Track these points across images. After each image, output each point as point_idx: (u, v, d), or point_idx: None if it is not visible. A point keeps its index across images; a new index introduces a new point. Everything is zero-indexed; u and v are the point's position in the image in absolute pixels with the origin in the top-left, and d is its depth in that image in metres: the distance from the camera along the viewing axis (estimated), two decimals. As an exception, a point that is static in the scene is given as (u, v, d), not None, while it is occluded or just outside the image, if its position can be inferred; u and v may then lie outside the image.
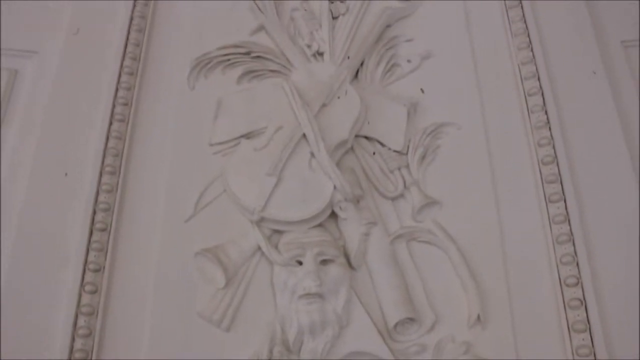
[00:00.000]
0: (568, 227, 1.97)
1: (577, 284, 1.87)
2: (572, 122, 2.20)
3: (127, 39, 2.35)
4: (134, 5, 2.43)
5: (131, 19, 2.40)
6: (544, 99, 2.21)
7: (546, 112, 2.18)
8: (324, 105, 2.14)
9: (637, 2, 2.48)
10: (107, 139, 2.17)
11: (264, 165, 2.02)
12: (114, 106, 2.22)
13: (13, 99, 2.33)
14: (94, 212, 2.04)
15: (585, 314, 1.83)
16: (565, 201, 2.02)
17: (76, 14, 2.45)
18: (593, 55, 2.31)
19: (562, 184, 2.05)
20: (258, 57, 2.30)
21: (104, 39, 2.38)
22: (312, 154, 2.03)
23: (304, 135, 2.06)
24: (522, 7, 2.42)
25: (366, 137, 2.16)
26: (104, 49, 2.36)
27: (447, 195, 2.06)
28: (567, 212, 2.01)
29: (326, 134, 2.07)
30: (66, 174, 2.10)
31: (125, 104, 2.23)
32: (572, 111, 2.22)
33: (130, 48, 2.34)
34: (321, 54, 2.31)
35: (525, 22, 2.39)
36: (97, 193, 2.07)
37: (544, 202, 2.04)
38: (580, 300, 1.84)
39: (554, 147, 2.11)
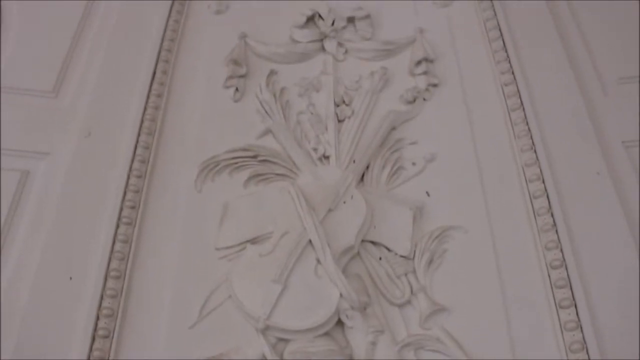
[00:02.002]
0: (580, 334, 1.93)
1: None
2: (578, 224, 2.20)
3: (137, 141, 2.40)
4: (145, 109, 2.49)
5: (141, 122, 2.45)
6: (549, 201, 2.22)
7: (552, 215, 2.18)
8: (330, 210, 2.15)
9: (637, 103, 2.52)
10: (114, 242, 2.17)
11: (269, 271, 2.01)
12: (121, 209, 2.23)
13: (23, 200, 2.35)
14: (97, 318, 2.01)
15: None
16: (576, 307, 1.99)
17: (89, 116, 2.50)
18: (596, 156, 2.33)
19: (572, 289, 2.02)
20: (265, 160, 2.34)
21: (114, 141, 2.42)
22: (318, 261, 2.02)
23: (310, 241, 2.06)
24: (523, 109, 2.47)
25: (372, 242, 2.16)
26: (114, 152, 2.40)
27: (455, 301, 2.04)
28: (578, 318, 1.97)
29: (332, 239, 2.07)
30: (71, 278, 2.09)
31: (133, 207, 2.24)
32: (578, 213, 2.22)
33: (139, 151, 2.38)
34: (327, 158, 2.35)
35: (527, 124, 2.43)
36: (101, 298, 2.05)
37: (555, 307, 2.01)
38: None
39: (561, 251, 2.11)
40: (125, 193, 2.26)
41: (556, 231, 2.14)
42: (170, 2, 2.84)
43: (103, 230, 2.20)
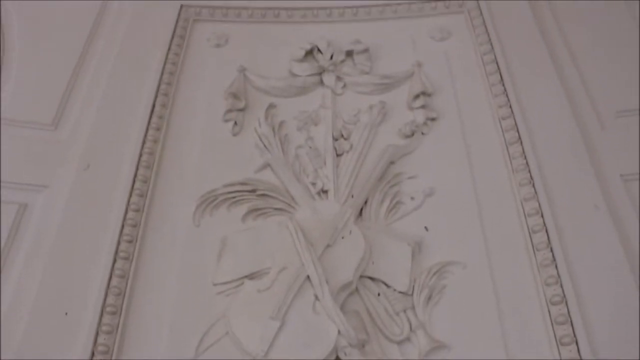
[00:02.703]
0: (580, 371, 1.91)
1: None
2: (578, 259, 2.20)
3: (135, 175, 2.40)
4: (144, 142, 2.50)
5: (140, 155, 2.46)
6: (548, 236, 2.21)
7: (551, 250, 2.17)
8: (328, 245, 2.14)
9: (635, 136, 2.53)
10: (110, 277, 2.15)
11: (267, 307, 2.00)
12: (118, 243, 2.22)
13: (20, 233, 2.34)
14: (92, 354, 1.99)
15: None
16: (577, 343, 1.97)
17: (88, 149, 2.51)
18: (594, 190, 2.33)
19: (573, 326, 2.01)
20: (263, 195, 2.34)
21: (113, 175, 2.42)
22: (317, 297, 2.01)
23: (308, 277, 2.05)
24: (521, 143, 2.48)
25: (371, 278, 2.15)
26: (112, 185, 2.40)
27: (455, 337, 2.02)
28: (579, 355, 1.95)
29: (330, 275, 2.06)
30: (66, 314, 2.07)
31: (130, 241, 2.23)
32: (577, 247, 2.21)
33: (137, 184, 2.38)
34: (325, 192, 2.34)
35: (525, 157, 2.43)
36: (97, 334, 2.03)
37: (556, 344, 1.99)
38: None
39: (561, 286, 2.09)
40: (122, 227, 2.26)
41: (556, 266, 2.14)
42: (170, 35, 2.86)
43: (100, 264, 2.19)
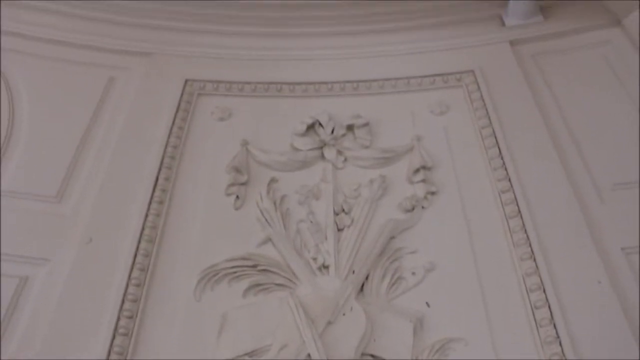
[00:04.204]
0: None
1: None
2: (582, 335, 2.17)
3: (137, 249, 2.40)
4: (146, 216, 2.51)
5: (142, 229, 2.47)
6: (551, 312, 2.20)
7: (555, 326, 2.15)
8: (329, 322, 2.13)
9: (635, 208, 2.55)
10: (109, 353, 2.14)
11: (268, 387, 1.96)
12: (118, 319, 2.21)
13: (20, 306, 2.33)
14: None
15: None
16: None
17: (91, 222, 2.52)
18: (596, 264, 2.33)
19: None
20: (264, 270, 2.34)
21: (115, 249, 2.43)
22: (318, 376, 1.98)
23: (309, 355, 2.03)
24: (521, 216, 2.49)
25: (372, 356, 2.12)
26: (114, 259, 2.40)
27: (458, 417, 1.97)
28: None
29: (332, 353, 2.04)
30: (63, 392, 2.03)
31: (130, 317, 2.22)
32: (581, 324, 2.20)
33: (139, 259, 2.39)
34: (327, 267, 2.35)
35: (526, 231, 2.44)
36: (95, 414, 1.99)
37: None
38: None
39: (565, 363, 2.06)
40: (123, 302, 2.25)
41: (560, 344, 2.11)
42: (175, 109, 2.93)
43: (99, 340, 2.17)
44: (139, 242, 2.42)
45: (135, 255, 2.36)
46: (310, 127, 2.77)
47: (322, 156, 2.71)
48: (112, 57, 3.15)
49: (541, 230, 2.41)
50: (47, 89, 3.01)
